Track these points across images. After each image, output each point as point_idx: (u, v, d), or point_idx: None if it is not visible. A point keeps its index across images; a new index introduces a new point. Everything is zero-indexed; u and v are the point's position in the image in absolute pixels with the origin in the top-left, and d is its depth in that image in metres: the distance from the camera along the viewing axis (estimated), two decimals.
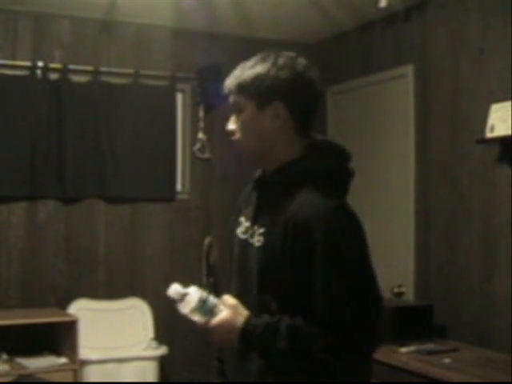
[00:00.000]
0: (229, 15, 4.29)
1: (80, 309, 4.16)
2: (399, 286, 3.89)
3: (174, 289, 1.76)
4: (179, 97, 4.71)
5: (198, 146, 4.69)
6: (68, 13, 4.27)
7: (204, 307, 1.68)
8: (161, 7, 4.18)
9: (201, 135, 4.68)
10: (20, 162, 4.14)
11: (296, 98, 1.71)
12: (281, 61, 1.71)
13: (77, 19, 4.35)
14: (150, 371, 4.10)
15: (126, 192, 4.45)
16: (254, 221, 1.77)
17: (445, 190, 3.84)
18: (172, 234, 4.61)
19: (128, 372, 4.03)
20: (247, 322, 1.65)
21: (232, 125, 1.80)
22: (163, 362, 4.24)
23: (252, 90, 1.71)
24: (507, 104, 3.33)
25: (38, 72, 4.18)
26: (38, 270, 4.23)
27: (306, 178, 1.69)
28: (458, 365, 3.06)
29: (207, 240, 5.26)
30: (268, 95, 1.69)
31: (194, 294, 1.71)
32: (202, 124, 4.67)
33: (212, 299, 1.71)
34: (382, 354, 3.33)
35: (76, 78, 4.30)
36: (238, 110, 1.77)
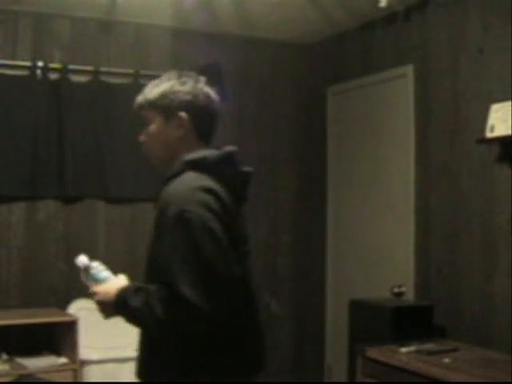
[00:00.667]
0: (229, 15, 4.29)
1: (80, 309, 4.15)
2: (399, 286, 3.89)
3: (81, 259, 2.01)
4: None
5: None
6: (68, 13, 4.27)
7: (98, 277, 1.96)
8: (161, 7, 4.18)
9: None
10: (20, 162, 4.14)
11: (196, 109, 1.99)
12: (183, 78, 2.03)
13: (77, 19, 4.35)
14: None
15: (126, 192, 4.45)
16: None
17: (445, 190, 3.85)
18: None
19: (128, 372, 4.03)
20: (122, 289, 1.87)
21: (143, 137, 2.06)
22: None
23: (158, 104, 1.99)
24: (507, 104, 3.33)
25: (38, 72, 4.18)
26: (38, 270, 4.23)
27: (187, 167, 1.91)
28: (458, 365, 3.06)
29: None
30: (172, 108, 1.98)
31: (95, 266, 1.99)
32: None
33: (108, 273, 1.98)
34: (382, 353, 3.33)
35: (76, 78, 4.30)
36: (148, 123, 2.03)
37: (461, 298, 3.69)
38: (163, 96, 1.99)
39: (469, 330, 3.62)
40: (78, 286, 4.52)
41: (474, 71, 3.65)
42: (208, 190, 1.82)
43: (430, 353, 3.25)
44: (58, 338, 4.00)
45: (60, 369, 3.79)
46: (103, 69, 4.39)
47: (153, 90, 2.02)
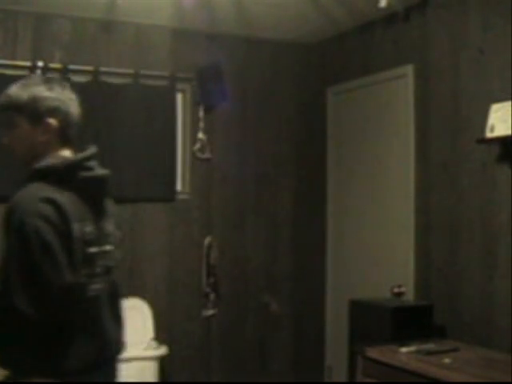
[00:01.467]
0: (229, 15, 4.29)
1: None
2: (399, 286, 3.89)
3: None
4: (179, 97, 4.71)
5: (198, 146, 4.69)
6: (68, 13, 4.27)
7: None
8: (161, 7, 4.18)
9: (201, 135, 4.68)
10: (20, 162, 4.13)
11: (63, 115, 2.07)
12: (50, 83, 2.08)
13: (77, 19, 4.35)
14: (150, 371, 4.10)
15: (126, 192, 4.45)
16: None
17: (445, 190, 3.84)
18: (172, 234, 4.61)
19: (128, 372, 4.02)
20: None
21: (6, 139, 2.13)
22: (163, 362, 4.24)
23: (26, 109, 2.04)
24: (507, 104, 3.33)
25: (38, 72, 4.18)
26: None
27: (36, 176, 2.03)
28: (458, 365, 3.06)
29: (207, 240, 5.28)
30: (40, 113, 2.04)
31: None
32: (201, 124, 4.67)
33: None
34: (382, 353, 3.33)
35: (76, 78, 4.29)
36: (12, 126, 2.08)
37: (461, 298, 3.69)
38: (31, 101, 2.04)
39: (469, 329, 3.62)
40: None
41: (473, 71, 3.65)
42: (48, 201, 1.93)
43: (430, 353, 3.25)
44: None
45: None
46: (103, 69, 4.38)
47: (20, 94, 2.05)
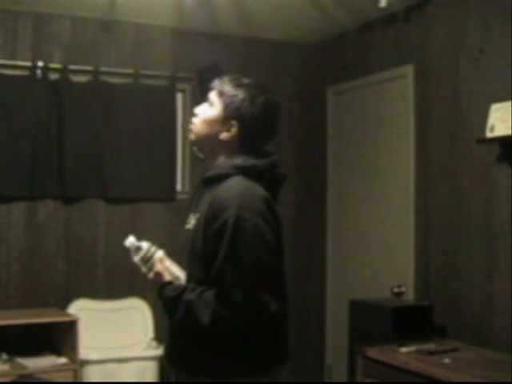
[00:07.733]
0: (229, 15, 4.30)
1: (80, 309, 4.16)
2: (399, 286, 3.89)
3: (130, 240, 2.07)
4: (179, 97, 4.71)
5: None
6: (68, 13, 4.27)
7: (147, 260, 2.05)
8: (161, 7, 4.18)
9: None
10: (20, 162, 4.14)
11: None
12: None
13: (77, 19, 4.35)
14: (150, 371, 4.11)
15: (126, 192, 4.45)
16: None
17: (445, 190, 3.85)
18: (172, 234, 4.60)
19: (128, 372, 4.03)
20: (165, 283, 2.04)
21: None
22: (163, 362, 4.24)
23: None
24: (507, 104, 3.33)
25: (38, 72, 4.19)
26: (38, 270, 4.23)
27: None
28: (458, 365, 3.06)
29: None
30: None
31: (145, 248, 2.05)
32: None
33: (155, 257, 2.05)
34: (382, 353, 3.33)
35: (76, 78, 4.30)
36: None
37: (461, 298, 3.69)
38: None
39: (469, 330, 3.62)
40: (78, 285, 4.54)
41: (473, 71, 3.65)
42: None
43: (430, 353, 3.25)
44: (58, 337, 4.00)
45: (60, 369, 3.79)
46: (103, 69, 4.39)
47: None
